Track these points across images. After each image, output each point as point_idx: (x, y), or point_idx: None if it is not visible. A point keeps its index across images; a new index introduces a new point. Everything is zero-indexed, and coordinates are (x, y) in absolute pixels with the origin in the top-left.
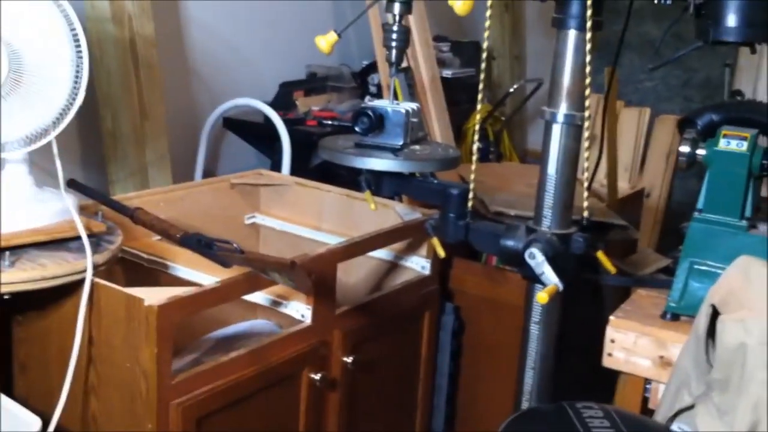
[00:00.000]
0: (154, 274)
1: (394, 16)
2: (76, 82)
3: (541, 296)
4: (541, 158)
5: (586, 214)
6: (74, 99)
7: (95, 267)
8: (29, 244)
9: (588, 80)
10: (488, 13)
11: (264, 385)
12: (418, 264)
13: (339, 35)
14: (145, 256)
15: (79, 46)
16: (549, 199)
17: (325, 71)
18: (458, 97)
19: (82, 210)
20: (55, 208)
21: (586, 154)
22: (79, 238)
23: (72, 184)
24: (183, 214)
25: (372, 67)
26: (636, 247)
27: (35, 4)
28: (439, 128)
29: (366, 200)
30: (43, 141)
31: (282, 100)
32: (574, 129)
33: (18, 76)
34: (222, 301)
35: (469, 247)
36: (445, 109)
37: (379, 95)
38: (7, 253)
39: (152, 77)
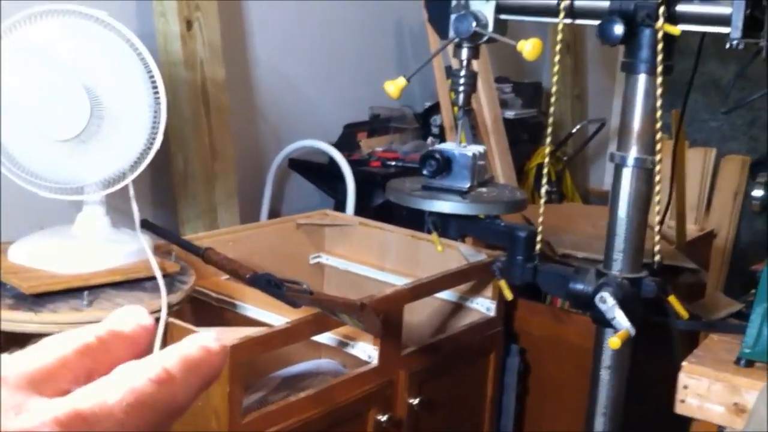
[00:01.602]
0: (222, 312)
1: (462, 61)
2: (153, 127)
3: (614, 341)
4: (611, 202)
5: (657, 258)
6: (152, 143)
7: (170, 307)
8: (106, 284)
9: (659, 124)
10: (556, 58)
11: (331, 425)
12: (483, 305)
13: (408, 80)
14: (213, 294)
15: (156, 90)
16: (619, 243)
17: (388, 112)
18: (519, 137)
19: (155, 250)
20: (131, 249)
21: (657, 198)
22: (153, 278)
23: (145, 225)
24: (250, 253)
25: (434, 109)
26: (705, 290)
27: (114, 50)
28: (501, 169)
29: (432, 242)
30: (121, 184)
31: (346, 141)
32: (644, 172)
33: (99, 122)
34: (291, 342)
35: (533, 287)
36: (507, 149)
37: (440, 136)
38: (86, 293)
39: (222, 120)
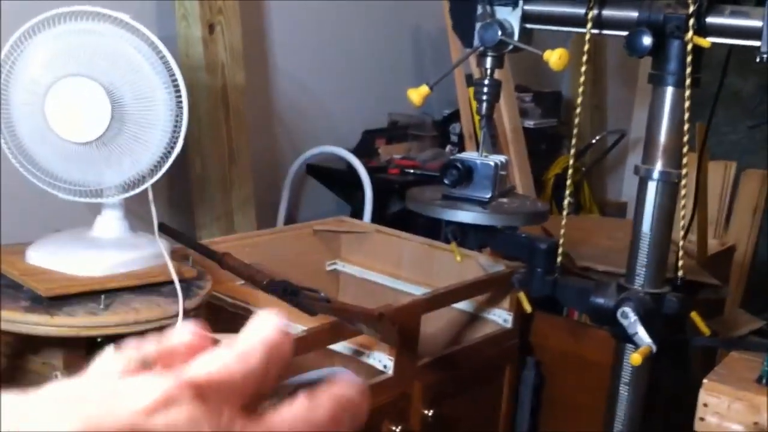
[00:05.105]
0: (236, 318)
1: (486, 70)
2: (174, 131)
3: (635, 358)
4: (635, 215)
5: (680, 273)
6: (173, 147)
7: (186, 312)
8: (123, 288)
9: (686, 138)
10: (583, 69)
11: None
12: (500, 317)
13: (431, 88)
14: (229, 300)
15: (179, 94)
16: (642, 258)
17: (407, 119)
18: (538, 146)
19: (171, 254)
20: (148, 253)
21: (682, 213)
22: (170, 282)
23: (162, 229)
24: (266, 258)
25: (453, 116)
26: (724, 306)
27: (136, 53)
28: (520, 178)
29: (451, 251)
30: (141, 188)
31: (364, 148)
32: (669, 186)
33: (119, 125)
34: (308, 350)
35: (549, 299)
36: (526, 159)
37: (459, 144)
38: (102, 296)
39: (241, 124)
